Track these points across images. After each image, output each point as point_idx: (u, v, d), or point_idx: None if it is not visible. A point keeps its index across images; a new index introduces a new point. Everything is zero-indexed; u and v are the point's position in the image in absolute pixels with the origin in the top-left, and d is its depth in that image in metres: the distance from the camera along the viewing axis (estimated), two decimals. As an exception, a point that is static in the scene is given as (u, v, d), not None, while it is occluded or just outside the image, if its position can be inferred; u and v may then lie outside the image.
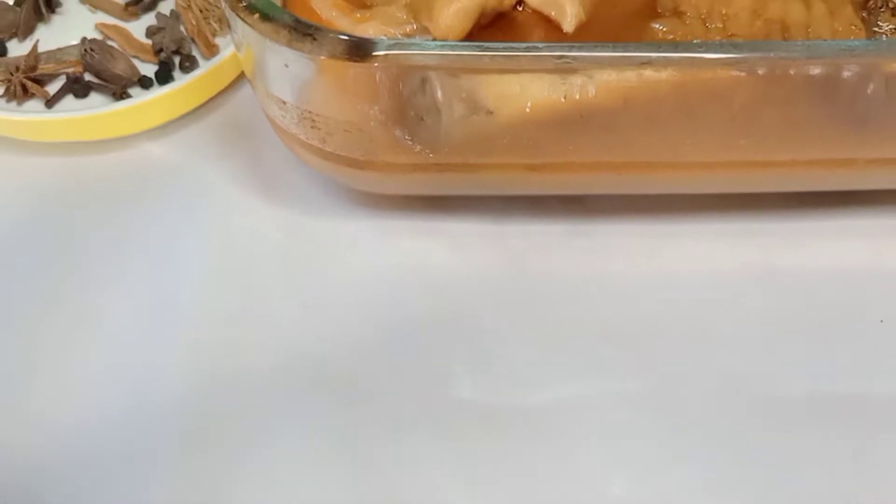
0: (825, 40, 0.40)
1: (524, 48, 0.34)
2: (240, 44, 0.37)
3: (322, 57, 0.32)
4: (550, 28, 0.45)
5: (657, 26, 0.44)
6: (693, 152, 0.38)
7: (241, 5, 0.33)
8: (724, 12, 0.44)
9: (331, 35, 0.32)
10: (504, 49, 0.34)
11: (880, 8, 0.43)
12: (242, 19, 0.33)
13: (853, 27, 0.43)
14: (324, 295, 0.41)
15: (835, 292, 0.41)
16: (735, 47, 0.36)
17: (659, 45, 0.39)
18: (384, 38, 0.33)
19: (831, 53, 0.35)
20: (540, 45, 0.35)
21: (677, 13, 0.45)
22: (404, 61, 0.33)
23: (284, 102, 0.37)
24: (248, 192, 0.45)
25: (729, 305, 0.41)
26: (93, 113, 0.43)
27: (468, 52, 0.34)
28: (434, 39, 0.43)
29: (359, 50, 0.32)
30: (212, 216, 0.44)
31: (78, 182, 0.46)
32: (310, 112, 0.36)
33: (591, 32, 0.45)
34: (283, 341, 0.40)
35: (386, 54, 0.32)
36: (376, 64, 0.32)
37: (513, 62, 0.33)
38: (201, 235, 0.43)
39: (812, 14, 0.43)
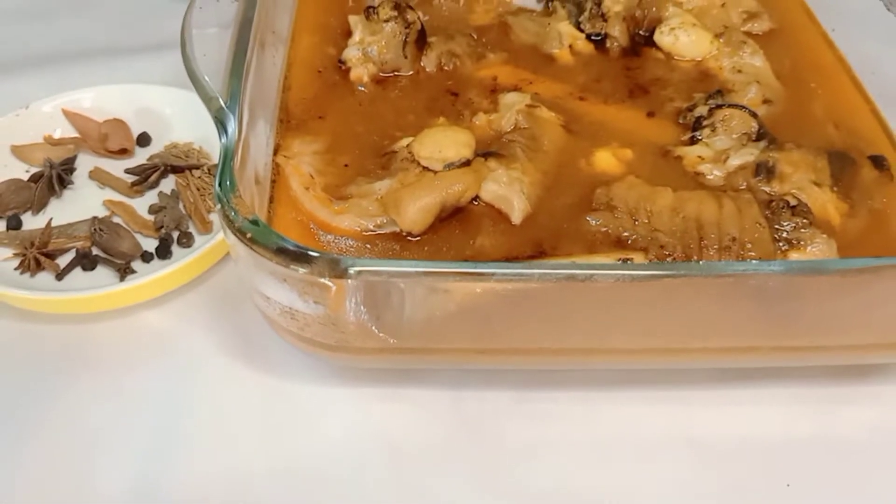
0: (719, 262, 0.47)
1: (473, 268, 0.40)
2: (231, 247, 0.43)
3: (303, 273, 0.38)
4: (500, 219, 0.52)
5: (592, 221, 0.51)
6: (620, 342, 0.44)
7: (233, 225, 0.40)
8: (648, 209, 0.51)
9: (310, 256, 0.38)
10: (458, 267, 0.40)
11: (781, 208, 0.51)
12: (234, 236, 0.40)
13: (758, 224, 0.50)
14: (298, 458, 0.46)
15: (747, 456, 0.47)
16: (656, 267, 0.43)
17: (590, 265, 0.45)
18: (356, 259, 0.39)
19: (730, 270, 0.41)
20: (485, 267, 0.40)
21: (610, 207, 0.52)
22: (372, 277, 0.39)
23: (268, 298, 0.43)
24: (234, 360, 0.51)
25: (651, 468, 0.46)
26: (99, 293, 0.49)
27: (430, 269, 0.40)
28: (402, 231, 0.50)
29: (335, 269, 0.38)
30: (200, 383, 0.50)
31: (81, 349, 0.51)
32: (290, 308, 0.42)
33: (535, 222, 0.52)
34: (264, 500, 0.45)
35: (358, 271, 0.38)
36: (349, 280, 0.38)
37: (466, 279, 0.39)
38: (190, 402, 0.49)
39: (723, 213, 0.51)
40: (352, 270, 0.38)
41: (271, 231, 0.40)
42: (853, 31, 0.66)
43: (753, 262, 0.46)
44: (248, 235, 0.39)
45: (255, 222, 0.40)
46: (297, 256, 0.38)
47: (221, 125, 0.45)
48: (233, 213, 0.40)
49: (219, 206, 0.41)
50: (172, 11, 0.79)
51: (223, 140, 0.44)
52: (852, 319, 0.44)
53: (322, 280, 0.38)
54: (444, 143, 0.53)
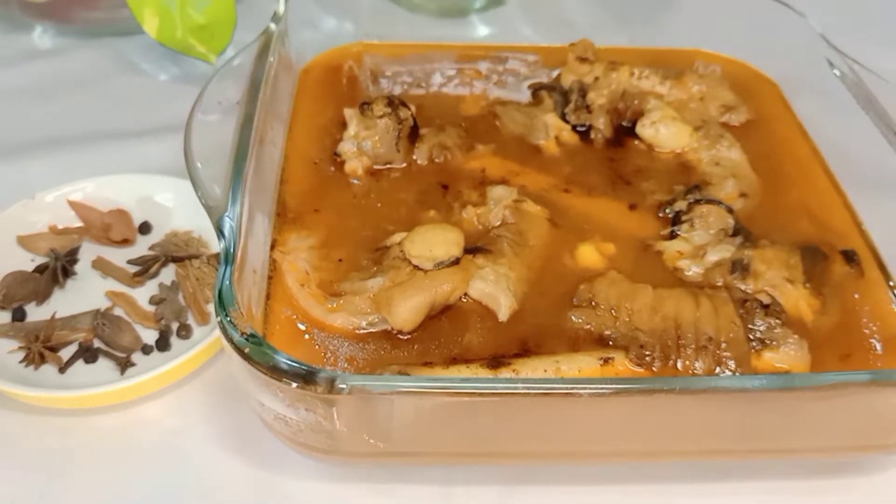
0: (697, 377, 0.49)
1: (457, 384, 0.42)
2: (228, 354, 0.45)
3: (294, 388, 0.40)
4: (488, 316, 0.54)
5: (575, 318, 0.54)
6: (599, 446, 0.46)
7: (230, 340, 0.42)
8: (629, 307, 0.54)
9: (301, 373, 0.41)
10: (443, 385, 0.42)
11: (755, 308, 0.53)
12: (231, 349, 0.42)
13: (733, 324, 0.52)
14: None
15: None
16: (633, 382, 0.45)
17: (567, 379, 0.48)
18: (347, 375, 0.41)
19: (697, 386, 0.43)
20: (468, 382, 0.43)
21: (592, 304, 0.54)
22: (362, 393, 0.41)
23: (262, 404, 0.45)
24: (229, 454, 0.52)
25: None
26: (100, 391, 0.51)
27: (415, 384, 0.42)
28: (392, 330, 0.52)
29: (326, 385, 0.40)
30: (196, 476, 0.51)
31: (82, 440, 0.53)
32: (283, 415, 0.44)
33: (521, 319, 0.54)
34: None
35: (349, 387, 0.40)
36: (338, 395, 0.40)
37: (450, 395, 0.41)
38: (186, 495, 0.50)
39: (700, 312, 0.53)
40: (342, 386, 0.40)
41: (266, 348, 0.42)
42: (827, 123, 0.69)
43: (722, 377, 0.48)
44: (245, 350, 0.41)
45: (250, 337, 0.42)
46: (290, 373, 0.40)
47: (221, 234, 0.48)
48: (230, 329, 0.42)
49: (217, 319, 0.43)
50: (177, 92, 0.82)
51: (222, 252, 0.46)
52: (822, 426, 0.46)
53: (313, 394, 0.40)
54: (434, 242, 0.55)
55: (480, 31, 0.88)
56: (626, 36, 0.80)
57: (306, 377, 0.40)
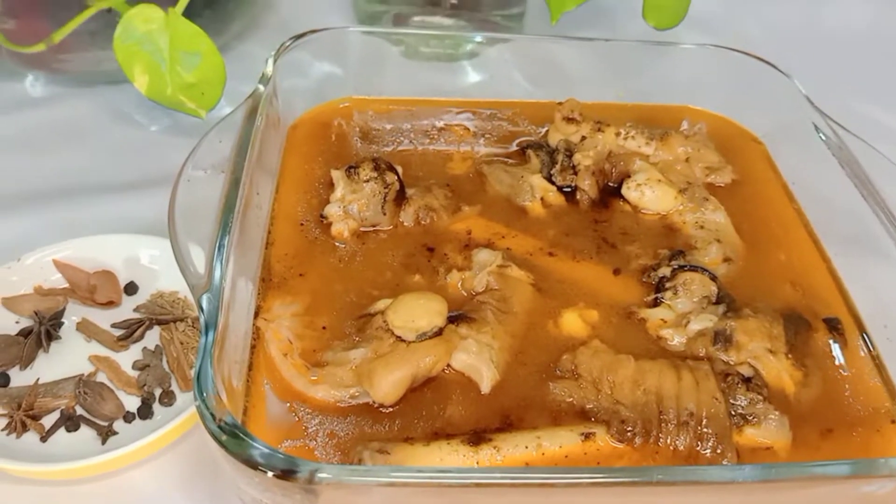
0: (673, 468, 0.48)
1: (434, 475, 0.43)
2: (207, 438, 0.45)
3: (270, 477, 0.40)
4: (470, 387, 0.55)
5: (557, 390, 0.54)
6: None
7: (208, 427, 0.42)
8: (611, 380, 0.54)
9: (276, 464, 0.41)
10: (420, 475, 0.42)
11: (737, 383, 0.53)
12: (209, 435, 0.42)
13: (714, 399, 0.52)
14: None
15: None
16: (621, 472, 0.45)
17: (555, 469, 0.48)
18: (322, 466, 0.41)
19: (673, 478, 0.43)
20: (440, 472, 0.43)
21: (574, 375, 0.54)
22: (337, 486, 0.41)
23: (240, 487, 0.45)
24: (211, 526, 0.52)
25: None
26: (82, 464, 0.51)
27: (393, 479, 0.42)
28: (374, 403, 0.53)
29: (301, 476, 0.40)
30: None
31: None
32: (261, 500, 0.44)
33: (503, 391, 0.54)
34: None
35: (324, 478, 0.40)
36: (317, 486, 0.40)
37: (428, 488, 0.41)
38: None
39: (681, 385, 0.53)
40: (321, 476, 0.40)
41: (242, 438, 0.42)
42: (812, 184, 0.70)
43: (698, 468, 0.48)
44: (221, 439, 0.41)
45: (227, 428, 0.42)
46: (265, 464, 0.40)
47: (201, 310, 0.48)
48: (207, 417, 0.42)
49: (196, 403, 0.43)
50: (168, 144, 0.83)
51: (202, 333, 0.46)
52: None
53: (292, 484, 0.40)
54: (417, 313, 0.55)
55: (471, 76, 0.89)
56: (615, 89, 0.81)
57: (284, 469, 0.40)
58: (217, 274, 0.50)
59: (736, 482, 0.42)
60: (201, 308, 0.48)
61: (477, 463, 0.49)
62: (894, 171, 0.63)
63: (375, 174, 0.64)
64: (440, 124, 0.77)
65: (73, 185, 0.77)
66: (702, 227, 0.66)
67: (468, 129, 0.76)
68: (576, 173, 0.69)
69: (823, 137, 0.68)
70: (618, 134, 0.71)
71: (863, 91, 0.96)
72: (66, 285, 0.64)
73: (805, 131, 0.70)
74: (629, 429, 0.51)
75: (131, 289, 0.65)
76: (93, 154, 0.81)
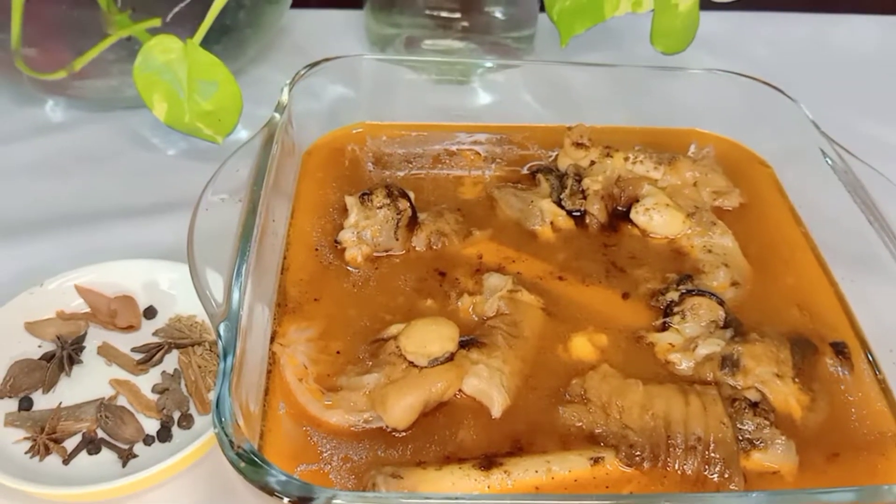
0: (678, 494, 0.49)
1: (443, 498, 0.44)
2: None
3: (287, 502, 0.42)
4: (481, 412, 0.56)
5: (566, 415, 0.55)
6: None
7: (226, 453, 0.43)
8: (620, 404, 0.55)
9: (294, 489, 0.42)
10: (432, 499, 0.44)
11: (744, 408, 0.54)
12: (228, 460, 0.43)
13: (722, 424, 0.53)
14: None
15: None
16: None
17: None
18: (336, 492, 0.42)
19: None
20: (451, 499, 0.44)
21: (583, 400, 0.55)
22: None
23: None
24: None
25: None
26: (103, 487, 0.53)
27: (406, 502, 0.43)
28: (387, 427, 0.54)
29: (318, 502, 0.42)
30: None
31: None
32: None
33: (514, 415, 0.55)
34: None
35: (336, 503, 0.42)
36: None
37: None
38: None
39: (689, 410, 0.54)
40: (336, 503, 0.42)
41: (260, 465, 0.43)
42: (819, 208, 0.71)
43: (704, 495, 0.49)
44: (240, 466, 0.43)
45: (245, 455, 0.43)
46: (282, 491, 0.42)
47: (220, 338, 0.49)
48: (225, 444, 0.43)
49: (216, 430, 0.44)
50: (185, 168, 0.84)
51: (220, 361, 0.47)
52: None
53: (307, 511, 0.41)
54: (429, 339, 0.56)
55: (482, 98, 0.90)
56: (623, 112, 0.82)
57: (301, 496, 0.42)
58: (235, 302, 0.52)
59: (742, 509, 0.43)
60: (220, 335, 0.49)
61: (488, 487, 0.50)
62: (901, 196, 0.63)
63: (388, 201, 0.65)
64: (452, 149, 0.78)
65: (93, 209, 0.79)
66: (710, 252, 0.67)
67: (479, 154, 0.78)
68: (585, 198, 0.70)
69: (830, 162, 0.69)
70: (626, 158, 0.73)
71: (870, 112, 0.97)
72: (88, 310, 0.66)
73: (812, 155, 0.71)
74: (637, 453, 0.52)
75: (150, 313, 0.66)
76: (111, 178, 0.83)
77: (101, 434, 0.58)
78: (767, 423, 0.53)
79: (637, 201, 0.70)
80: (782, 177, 0.76)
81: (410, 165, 0.76)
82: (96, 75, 0.85)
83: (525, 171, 0.76)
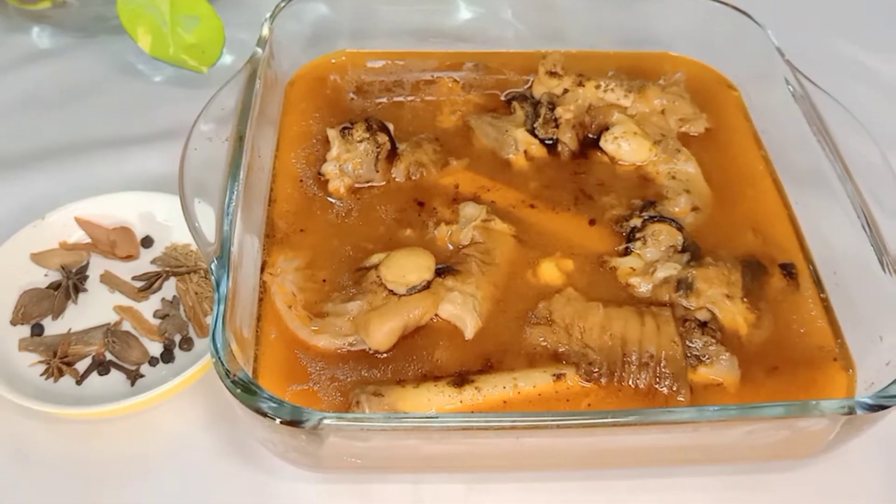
0: (627, 411, 0.55)
1: (423, 421, 0.49)
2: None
3: (278, 422, 0.47)
4: (456, 334, 0.61)
5: (532, 335, 0.60)
6: (552, 460, 0.54)
7: (223, 380, 0.48)
8: (581, 325, 0.60)
9: (285, 411, 0.47)
10: (410, 422, 0.49)
11: (693, 328, 0.59)
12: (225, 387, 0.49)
13: (673, 343, 0.59)
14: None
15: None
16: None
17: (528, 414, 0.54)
18: (328, 414, 0.47)
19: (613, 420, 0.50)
20: (432, 420, 0.50)
21: (549, 322, 0.61)
22: (339, 430, 0.48)
23: (253, 429, 0.52)
24: (228, 459, 0.60)
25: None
26: (114, 406, 0.58)
27: (390, 425, 0.49)
28: (370, 349, 0.59)
29: (307, 423, 0.47)
30: (197, 479, 0.59)
31: (95, 447, 0.60)
32: (271, 440, 0.51)
33: (485, 337, 0.60)
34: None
35: (327, 425, 0.47)
36: (317, 429, 0.47)
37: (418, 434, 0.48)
38: (189, 497, 0.58)
39: (644, 331, 0.59)
40: (326, 423, 0.47)
41: (254, 391, 0.48)
42: (780, 134, 0.74)
43: (649, 410, 0.55)
44: (236, 391, 0.48)
45: (240, 382, 0.48)
46: (274, 413, 0.47)
47: (214, 275, 0.54)
48: (222, 374, 0.48)
49: (213, 360, 0.49)
50: (173, 96, 0.86)
51: (215, 296, 0.52)
52: (740, 443, 0.53)
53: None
54: (407, 268, 0.61)
55: (463, 13, 0.91)
56: (599, 36, 0.83)
57: (292, 419, 0.47)
58: (226, 238, 0.56)
59: (678, 422, 0.49)
60: (212, 271, 0.54)
61: (461, 402, 0.56)
62: (855, 124, 0.66)
63: (367, 135, 0.69)
64: (430, 77, 0.80)
65: (85, 140, 0.81)
66: (673, 178, 0.71)
67: (457, 82, 0.80)
68: (557, 126, 0.73)
69: (791, 89, 0.71)
70: (598, 87, 0.75)
71: (842, 31, 0.98)
72: (89, 241, 0.70)
73: (776, 81, 0.73)
74: (596, 370, 0.58)
75: (147, 242, 0.70)
76: (101, 109, 0.85)
77: (109, 357, 0.63)
78: (714, 340, 0.59)
79: (607, 129, 0.73)
80: (748, 100, 0.78)
81: (391, 94, 0.79)
82: (81, 4, 0.86)
83: (503, 97, 0.79)
